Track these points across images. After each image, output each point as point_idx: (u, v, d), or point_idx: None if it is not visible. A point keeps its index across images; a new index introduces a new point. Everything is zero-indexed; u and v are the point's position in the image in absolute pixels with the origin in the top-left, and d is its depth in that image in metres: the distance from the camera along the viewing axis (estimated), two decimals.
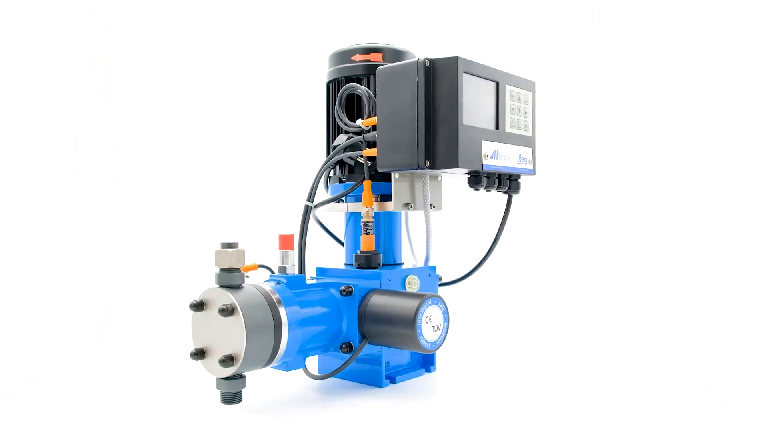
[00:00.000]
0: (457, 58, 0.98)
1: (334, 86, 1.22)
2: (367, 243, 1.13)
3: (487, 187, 1.10)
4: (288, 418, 1.00)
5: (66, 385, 1.29)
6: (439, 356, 1.37)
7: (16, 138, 1.55)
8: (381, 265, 1.15)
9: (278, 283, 1.05)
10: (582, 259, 1.96)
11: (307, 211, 1.15)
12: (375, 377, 1.15)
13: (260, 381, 1.16)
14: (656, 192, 1.77)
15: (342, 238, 1.27)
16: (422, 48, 1.84)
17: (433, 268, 1.23)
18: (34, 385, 1.28)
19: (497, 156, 1.09)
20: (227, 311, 0.91)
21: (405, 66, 1.01)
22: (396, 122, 1.02)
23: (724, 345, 1.46)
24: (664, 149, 1.76)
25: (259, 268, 1.10)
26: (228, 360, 0.92)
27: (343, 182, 1.20)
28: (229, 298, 0.93)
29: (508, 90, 1.11)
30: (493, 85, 1.08)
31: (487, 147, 1.06)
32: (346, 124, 1.14)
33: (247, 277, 1.03)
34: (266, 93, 1.94)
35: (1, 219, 1.49)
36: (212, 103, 1.95)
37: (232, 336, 0.93)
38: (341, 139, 1.16)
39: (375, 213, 1.17)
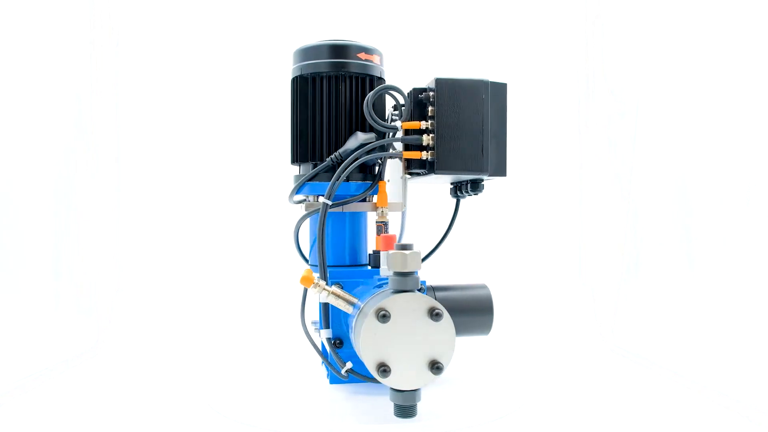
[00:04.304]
0: (506, 84, 1.13)
1: (313, 82, 1.19)
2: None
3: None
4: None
5: (66, 385, 1.29)
6: None
7: (15, 137, 1.54)
8: None
9: None
10: (581, 259, 1.96)
11: (326, 209, 1.14)
12: None
13: (264, 386, 1.16)
14: (656, 192, 1.77)
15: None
16: (420, 48, 1.84)
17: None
18: (33, 385, 1.28)
19: None
20: (440, 315, 0.91)
21: (474, 83, 1.11)
22: (461, 131, 1.10)
23: (724, 345, 1.46)
24: (664, 148, 1.76)
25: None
26: (438, 367, 0.91)
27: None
28: (433, 301, 0.92)
29: None
30: None
31: None
32: (379, 124, 1.14)
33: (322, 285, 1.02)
34: (265, 93, 1.94)
35: (1, 218, 1.49)
36: (211, 102, 1.94)
37: (436, 340, 0.91)
38: (366, 138, 1.15)
39: (349, 214, 1.22)
